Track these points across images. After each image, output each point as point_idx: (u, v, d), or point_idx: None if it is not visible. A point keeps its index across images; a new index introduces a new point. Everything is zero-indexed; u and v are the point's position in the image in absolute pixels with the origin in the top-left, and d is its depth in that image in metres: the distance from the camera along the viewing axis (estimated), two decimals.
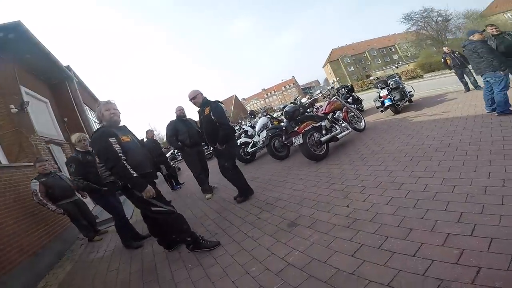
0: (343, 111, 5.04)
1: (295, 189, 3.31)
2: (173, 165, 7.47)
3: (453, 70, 7.45)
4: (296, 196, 3.04)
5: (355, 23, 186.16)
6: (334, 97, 5.37)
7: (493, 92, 3.91)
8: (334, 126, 4.59)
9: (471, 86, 6.82)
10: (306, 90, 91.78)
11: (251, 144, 6.20)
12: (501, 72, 3.78)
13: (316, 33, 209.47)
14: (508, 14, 33.26)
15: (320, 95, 6.94)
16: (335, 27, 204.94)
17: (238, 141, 5.89)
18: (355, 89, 25.29)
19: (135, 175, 2.17)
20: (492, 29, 4.35)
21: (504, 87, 3.79)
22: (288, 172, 4.22)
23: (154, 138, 6.71)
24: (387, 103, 6.10)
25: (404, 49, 38.20)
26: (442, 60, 7.79)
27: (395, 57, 61.86)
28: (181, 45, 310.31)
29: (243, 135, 6.82)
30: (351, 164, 3.57)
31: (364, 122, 5.49)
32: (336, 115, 4.80)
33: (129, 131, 2.49)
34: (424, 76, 19.91)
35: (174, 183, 6.59)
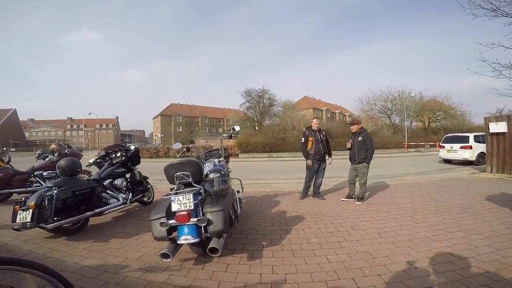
0: None
1: None
2: None
3: None
4: None
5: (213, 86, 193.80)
6: None
7: None
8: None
9: None
10: (125, 137, 78.96)
11: None
12: None
13: (167, 81, 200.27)
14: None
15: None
16: (191, 82, 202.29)
17: None
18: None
19: None
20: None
21: None
22: None
23: None
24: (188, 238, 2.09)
25: (230, 125, 40.15)
26: None
27: (220, 130, 68.84)
28: None
29: None
30: None
31: None
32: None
33: None
34: (239, 156, 19.93)
35: None
